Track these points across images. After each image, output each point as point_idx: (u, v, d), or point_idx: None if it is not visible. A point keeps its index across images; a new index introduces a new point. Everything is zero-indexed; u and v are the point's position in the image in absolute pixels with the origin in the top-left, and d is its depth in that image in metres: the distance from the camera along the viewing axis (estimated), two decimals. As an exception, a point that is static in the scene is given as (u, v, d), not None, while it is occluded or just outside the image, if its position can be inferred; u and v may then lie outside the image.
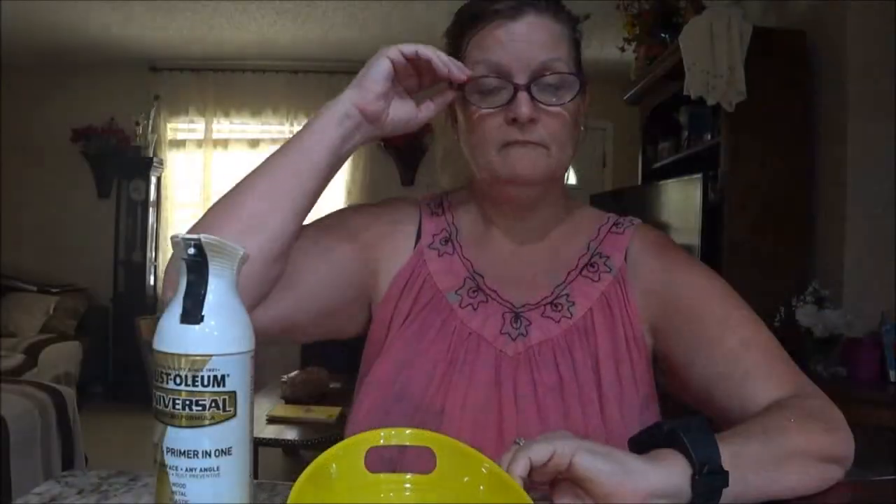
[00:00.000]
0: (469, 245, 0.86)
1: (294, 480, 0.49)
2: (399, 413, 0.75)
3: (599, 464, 0.53)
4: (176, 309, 0.48)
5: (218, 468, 0.47)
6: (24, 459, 2.35)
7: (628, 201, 3.46)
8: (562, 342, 0.78)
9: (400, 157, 5.05)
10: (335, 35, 4.48)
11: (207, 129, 5.14)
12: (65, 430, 2.66)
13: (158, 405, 0.47)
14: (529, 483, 0.54)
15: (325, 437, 2.52)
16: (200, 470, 0.46)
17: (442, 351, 0.78)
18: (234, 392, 0.47)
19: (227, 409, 0.47)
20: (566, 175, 0.86)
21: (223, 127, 5.19)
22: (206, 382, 0.46)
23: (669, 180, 3.02)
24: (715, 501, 0.56)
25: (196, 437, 0.46)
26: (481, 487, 0.54)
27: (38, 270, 4.93)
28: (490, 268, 0.84)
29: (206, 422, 0.46)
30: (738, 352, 0.74)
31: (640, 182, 3.62)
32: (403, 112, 0.77)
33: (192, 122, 5.17)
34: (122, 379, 4.73)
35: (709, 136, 2.87)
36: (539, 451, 0.53)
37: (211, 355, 0.46)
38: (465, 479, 0.55)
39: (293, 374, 3.05)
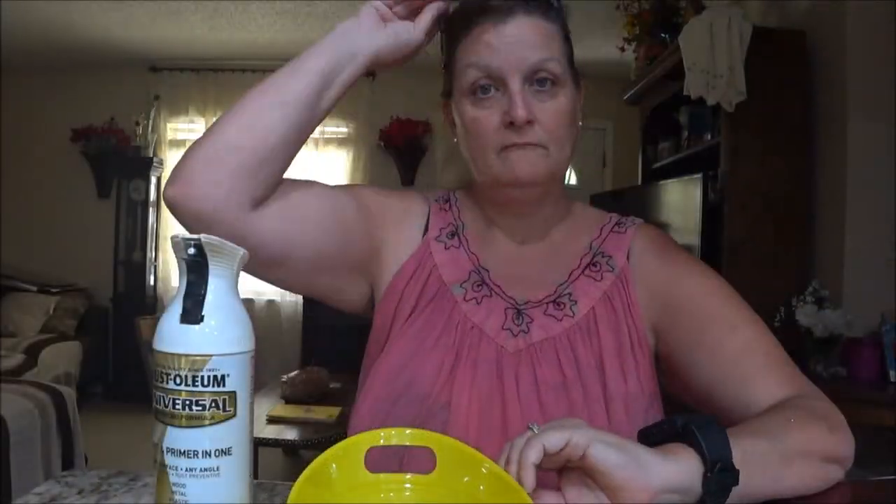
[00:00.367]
0: (474, 241, 0.87)
1: (294, 480, 0.49)
2: (405, 404, 0.75)
3: (613, 456, 0.52)
4: (176, 309, 0.48)
5: (218, 468, 0.47)
6: (24, 459, 2.35)
7: (628, 201, 3.46)
8: (564, 340, 0.79)
9: (400, 157, 5.05)
10: (335, 35, 4.48)
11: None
12: (65, 430, 2.66)
13: (158, 405, 0.47)
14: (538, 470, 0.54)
15: (325, 437, 2.52)
16: (200, 470, 0.46)
17: (448, 344, 0.78)
18: (234, 392, 0.47)
19: (227, 409, 0.47)
20: (566, 175, 0.87)
21: (223, 127, 5.18)
22: (206, 382, 0.46)
23: (669, 180, 3.02)
24: (724, 499, 0.55)
25: (196, 437, 0.46)
26: (481, 487, 0.54)
27: (38, 270, 4.93)
28: (495, 264, 0.85)
29: (206, 422, 0.46)
30: (741, 353, 0.74)
31: (640, 182, 3.63)
32: (401, 29, 0.79)
33: (192, 122, 5.17)
34: (122, 379, 4.73)
35: (709, 136, 2.88)
36: (554, 439, 0.53)
37: (211, 355, 0.46)
38: (465, 479, 0.55)
39: (293, 374, 3.04)
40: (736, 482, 0.55)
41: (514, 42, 0.75)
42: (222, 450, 0.47)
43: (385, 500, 0.55)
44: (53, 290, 4.77)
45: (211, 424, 0.47)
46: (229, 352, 0.47)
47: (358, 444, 0.55)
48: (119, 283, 5.01)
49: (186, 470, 0.46)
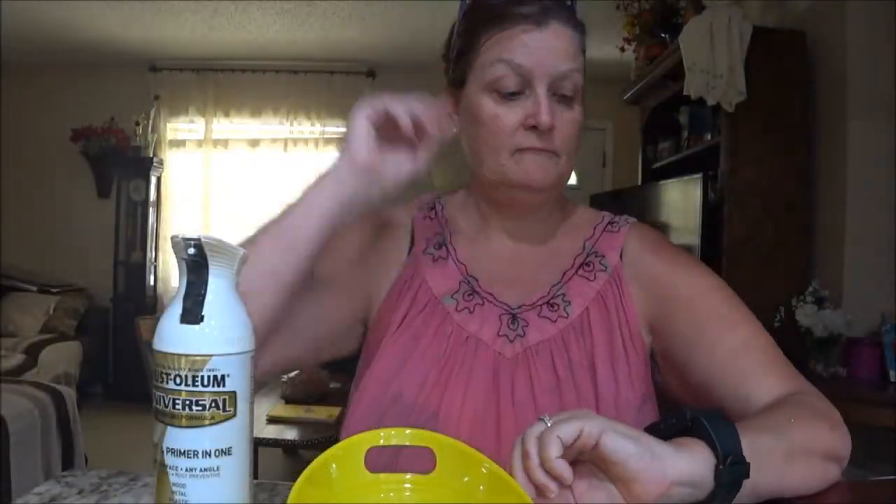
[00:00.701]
0: (464, 247, 0.86)
1: (294, 480, 0.49)
2: (394, 416, 0.75)
3: (627, 446, 0.51)
4: (176, 309, 0.48)
5: (218, 468, 0.47)
6: (24, 459, 2.35)
7: (628, 201, 3.46)
8: (559, 341, 0.79)
9: (400, 157, 5.05)
10: (335, 35, 4.49)
11: (207, 129, 5.14)
12: (65, 430, 2.66)
13: (158, 405, 0.47)
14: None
15: (325, 437, 2.52)
16: (200, 470, 0.46)
17: (437, 355, 0.78)
18: (234, 392, 0.47)
19: (227, 409, 0.47)
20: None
21: (223, 127, 5.19)
22: (206, 382, 0.46)
23: (669, 180, 3.03)
24: (735, 493, 0.55)
25: (196, 437, 0.46)
26: (481, 487, 0.54)
27: (38, 270, 4.93)
28: (486, 269, 0.84)
29: (206, 422, 0.46)
30: (740, 350, 0.74)
31: (640, 182, 3.63)
32: (402, 163, 0.74)
33: (192, 122, 5.17)
34: (122, 379, 4.73)
35: (709, 136, 2.88)
36: (567, 431, 0.51)
37: (211, 355, 0.46)
38: (465, 479, 0.55)
39: (293, 374, 3.04)
40: (747, 475, 0.54)
41: (549, 48, 0.75)
42: (222, 450, 0.47)
43: (385, 500, 0.55)
44: (53, 290, 4.77)
45: (211, 424, 0.47)
46: (229, 352, 0.47)
47: (358, 443, 0.55)
48: (119, 283, 5.01)
49: (186, 470, 0.46)
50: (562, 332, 0.79)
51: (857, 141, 2.40)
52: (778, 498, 0.61)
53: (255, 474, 0.52)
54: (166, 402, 0.47)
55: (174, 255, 0.48)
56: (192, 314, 0.47)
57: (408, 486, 0.57)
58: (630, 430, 0.53)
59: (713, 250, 2.54)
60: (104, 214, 5.04)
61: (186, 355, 0.46)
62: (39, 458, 2.47)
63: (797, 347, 2.18)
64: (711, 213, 2.60)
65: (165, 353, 0.47)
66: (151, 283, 5.05)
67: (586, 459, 0.54)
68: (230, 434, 0.47)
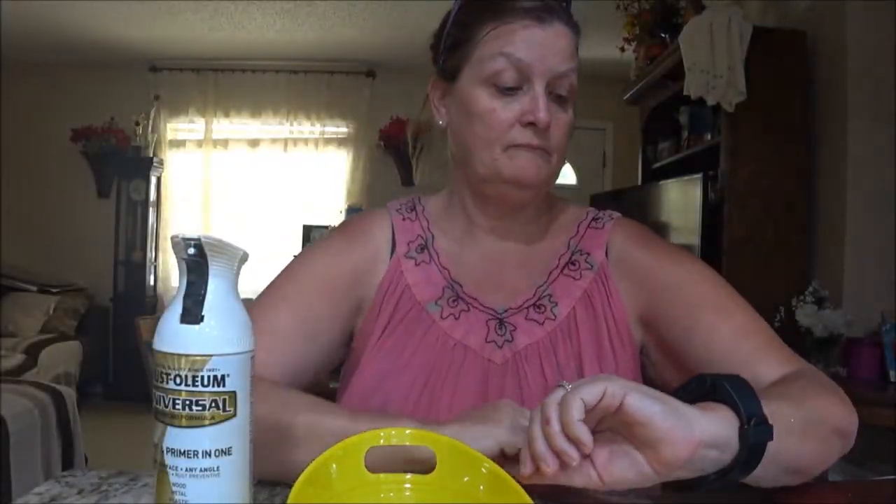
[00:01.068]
0: (447, 250, 0.85)
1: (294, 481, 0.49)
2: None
3: (653, 405, 0.50)
4: (176, 309, 0.48)
5: (218, 468, 0.47)
6: (24, 459, 2.35)
7: (628, 201, 3.46)
8: (547, 344, 0.78)
9: (400, 157, 5.05)
10: (335, 35, 4.49)
11: (207, 129, 5.14)
12: (65, 430, 2.65)
13: (158, 405, 0.47)
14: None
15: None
16: (200, 470, 0.46)
17: (424, 363, 0.77)
18: (234, 392, 0.47)
19: (227, 409, 0.47)
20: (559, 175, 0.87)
21: (223, 127, 5.19)
22: (206, 382, 0.46)
23: (669, 180, 3.02)
24: (760, 455, 0.54)
25: (196, 437, 0.46)
26: (481, 487, 0.54)
27: (38, 270, 4.93)
28: (469, 273, 0.83)
29: (206, 422, 0.46)
30: (738, 337, 0.74)
31: (640, 182, 3.62)
32: None
33: (192, 122, 5.17)
34: (122, 379, 4.73)
35: (709, 136, 2.88)
36: (590, 392, 0.49)
37: (211, 355, 0.46)
38: (465, 479, 0.55)
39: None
40: (771, 436, 0.53)
41: (551, 46, 0.75)
42: (222, 450, 0.47)
43: (385, 501, 0.55)
44: (53, 290, 4.77)
45: (211, 424, 0.47)
46: (229, 352, 0.47)
47: (358, 444, 0.55)
48: (119, 283, 5.01)
49: (186, 470, 0.46)
50: (549, 335, 0.79)
51: (857, 141, 2.40)
52: (778, 488, 0.61)
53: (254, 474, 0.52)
54: (166, 402, 0.47)
55: (174, 255, 0.48)
56: (192, 314, 0.47)
57: (408, 486, 0.57)
58: (653, 391, 0.52)
59: (713, 250, 2.54)
60: (104, 214, 5.04)
61: (186, 355, 0.46)
62: (39, 458, 2.47)
63: (797, 347, 2.16)
64: (711, 213, 2.59)
65: (165, 353, 0.47)
66: (151, 283, 5.05)
67: (608, 427, 0.53)
68: (230, 434, 0.47)
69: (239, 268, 0.50)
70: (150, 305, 4.94)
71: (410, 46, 4.49)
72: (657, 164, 3.42)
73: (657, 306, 0.79)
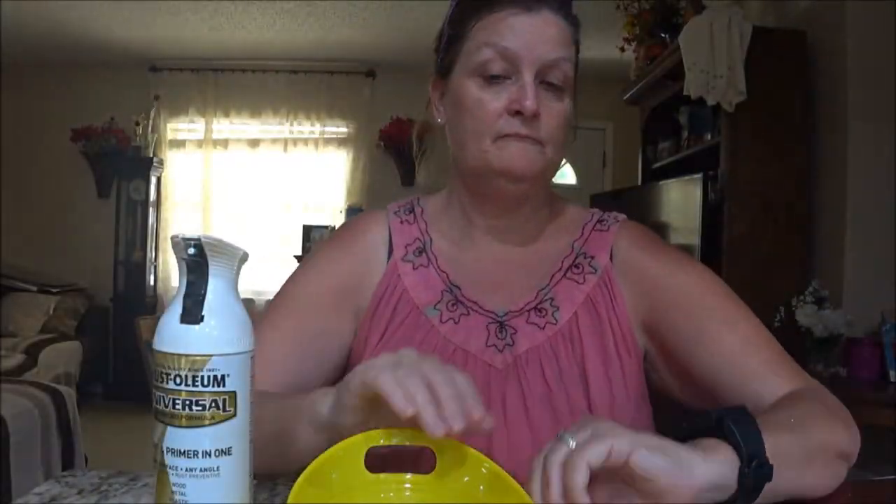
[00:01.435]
0: (446, 253, 0.84)
1: (294, 481, 0.49)
2: None
3: (657, 461, 0.50)
4: (176, 309, 0.48)
5: (218, 468, 0.47)
6: (24, 459, 2.35)
7: (628, 201, 3.46)
8: (548, 349, 0.77)
9: (400, 157, 5.05)
10: (335, 35, 4.49)
11: (207, 129, 5.14)
12: (65, 430, 2.65)
13: (158, 405, 0.47)
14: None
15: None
16: (200, 470, 0.46)
17: None
18: (234, 392, 0.47)
19: (227, 409, 0.47)
20: (555, 176, 0.85)
21: (223, 127, 5.19)
22: (206, 382, 0.46)
23: (669, 180, 3.02)
24: (757, 494, 0.54)
25: (196, 437, 0.46)
26: (481, 487, 0.54)
27: (38, 270, 4.93)
28: (469, 275, 0.82)
29: (206, 422, 0.46)
30: (743, 348, 0.73)
31: (640, 182, 3.62)
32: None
33: (192, 122, 5.17)
34: (122, 379, 4.73)
35: (709, 136, 2.88)
36: (596, 454, 0.49)
37: (211, 355, 0.46)
38: (465, 479, 0.55)
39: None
40: (770, 478, 0.54)
41: (538, 34, 0.73)
42: (222, 450, 0.47)
43: (385, 501, 0.55)
44: (53, 290, 4.77)
45: (211, 424, 0.47)
46: (229, 352, 0.47)
47: (358, 444, 0.55)
48: (119, 283, 5.01)
49: (186, 470, 0.46)
50: (550, 339, 0.77)
51: (857, 141, 2.40)
52: (792, 497, 0.61)
53: (254, 474, 0.52)
54: (166, 402, 0.47)
55: (174, 255, 0.48)
56: (192, 314, 0.47)
57: (408, 486, 0.57)
58: (657, 440, 0.52)
59: (713, 250, 2.54)
60: (104, 214, 5.04)
61: (186, 355, 0.46)
62: (39, 458, 2.47)
63: (797, 347, 2.18)
64: (711, 213, 2.59)
65: (165, 353, 0.47)
66: (151, 283, 5.05)
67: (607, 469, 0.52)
68: (230, 434, 0.47)
69: (239, 268, 0.50)
70: (150, 305, 4.94)
71: (410, 46, 4.50)
72: (657, 164, 3.42)
73: (661, 314, 0.78)
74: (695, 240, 2.63)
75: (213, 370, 0.46)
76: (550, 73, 0.74)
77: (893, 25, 2.35)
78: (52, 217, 5.07)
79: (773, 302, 2.35)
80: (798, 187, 2.56)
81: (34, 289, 4.77)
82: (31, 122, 5.04)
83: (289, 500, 0.47)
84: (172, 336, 0.47)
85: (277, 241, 5.06)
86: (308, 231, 4.94)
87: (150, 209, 5.03)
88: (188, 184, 5.19)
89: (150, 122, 5.04)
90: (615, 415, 0.74)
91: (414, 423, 0.51)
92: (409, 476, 0.57)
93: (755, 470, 0.53)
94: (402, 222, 0.87)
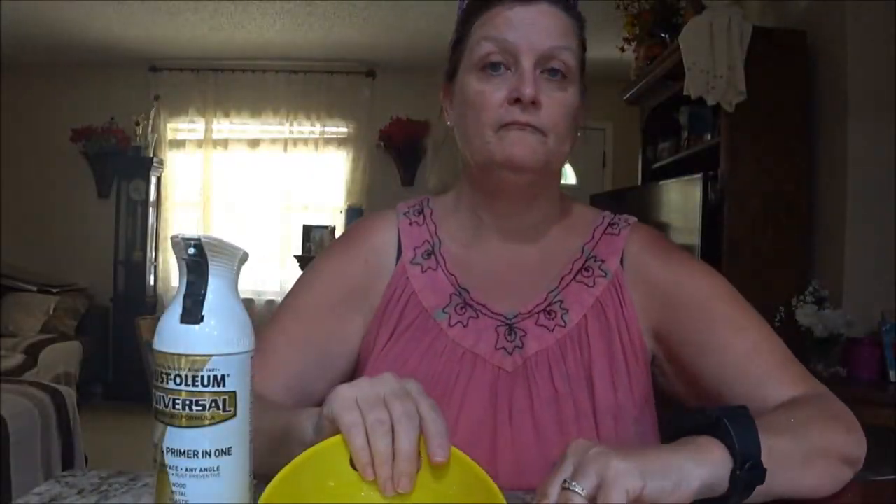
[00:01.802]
0: (454, 255, 0.84)
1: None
2: None
3: (664, 485, 0.51)
4: (176, 309, 0.48)
5: (218, 468, 0.47)
6: (24, 459, 2.35)
7: (628, 201, 3.46)
8: (556, 352, 0.77)
9: (400, 157, 5.06)
10: (335, 35, 4.49)
11: (207, 129, 5.14)
12: (65, 430, 2.65)
13: (158, 405, 0.47)
14: None
15: (325, 437, 2.51)
16: (200, 470, 0.46)
17: (431, 372, 0.76)
18: (234, 392, 0.47)
19: (227, 409, 0.47)
20: (562, 174, 0.85)
21: (223, 127, 5.19)
22: (206, 382, 0.46)
23: (669, 180, 3.02)
24: (748, 494, 0.55)
25: (196, 437, 0.46)
26: (454, 488, 0.54)
27: (38, 270, 4.93)
28: (478, 277, 0.82)
29: (206, 422, 0.46)
30: (751, 354, 0.73)
31: (640, 182, 3.63)
32: None
33: (192, 122, 5.17)
34: (122, 379, 4.73)
35: (709, 136, 2.88)
36: (617, 496, 0.48)
37: (211, 355, 0.46)
38: (447, 479, 0.54)
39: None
40: (762, 480, 0.54)
41: (535, 24, 0.74)
42: (222, 450, 0.47)
43: (366, 500, 0.55)
44: (53, 290, 4.77)
45: (211, 424, 0.47)
46: (229, 352, 0.47)
47: (342, 443, 0.54)
48: (119, 283, 5.01)
49: (186, 470, 0.46)
50: (559, 342, 0.77)
51: (857, 141, 2.40)
52: (790, 499, 0.61)
53: (254, 474, 0.52)
54: (166, 402, 0.47)
55: (174, 255, 0.48)
56: (192, 314, 0.47)
57: None
58: (656, 460, 0.52)
59: (713, 250, 2.54)
60: (104, 214, 5.04)
61: (186, 355, 0.46)
62: (39, 458, 2.47)
63: (797, 347, 2.17)
64: (711, 213, 2.59)
65: (165, 353, 0.47)
66: (151, 283, 5.06)
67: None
68: (230, 434, 0.47)
69: (239, 268, 0.50)
70: (150, 305, 4.94)
71: (410, 46, 4.50)
72: (657, 164, 3.42)
73: (670, 320, 0.77)
74: (695, 240, 2.62)
75: (213, 370, 0.46)
76: (550, 62, 0.74)
77: (893, 25, 2.35)
78: (52, 217, 5.07)
79: (773, 302, 2.35)
80: (798, 187, 2.56)
81: (34, 289, 4.77)
82: (31, 122, 5.04)
83: (260, 500, 0.47)
84: (172, 336, 0.47)
85: (277, 241, 5.06)
86: (308, 231, 4.94)
87: (150, 209, 5.03)
88: (188, 184, 5.19)
89: (150, 122, 5.04)
90: (618, 419, 0.74)
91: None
92: None
93: (747, 472, 0.54)
94: (411, 224, 0.86)
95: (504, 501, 0.49)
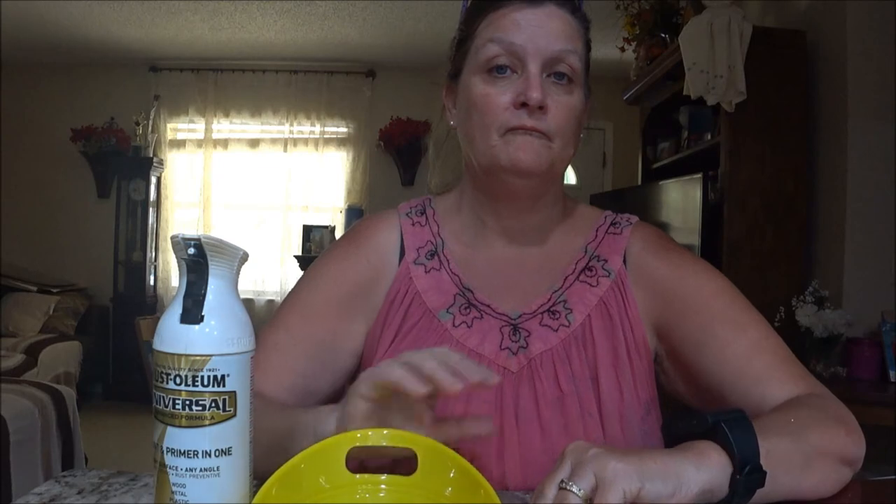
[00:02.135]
0: (458, 255, 0.83)
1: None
2: None
3: (661, 489, 0.51)
4: (176, 309, 0.48)
5: (218, 468, 0.47)
6: (24, 459, 2.35)
7: (628, 201, 3.46)
8: (561, 352, 0.77)
9: (400, 157, 5.06)
10: (335, 35, 4.49)
11: (207, 129, 5.14)
12: (65, 430, 2.65)
13: (158, 405, 0.47)
14: None
15: (325, 437, 2.51)
16: (200, 470, 0.46)
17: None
18: (234, 392, 0.47)
19: (227, 409, 0.47)
20: (564, 175, 0.85)
21: (223, 127, 5.19)
22: (206, 382, 0.46)
23: (669, 180, 3.02)
24: (748, 499, 0.55)
25: (196, 437, 0.46)
26: (449, 489, 0.54)
27: (38, 270, 4.93)
28: (481, 277, 0.81)
29: (206, 422, 0.46)
30: (751, 353, 0.73)
31: (640, 182, 3.62)
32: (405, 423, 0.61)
33: (192, 122, 5.17)
34: (122, 379, 4.73)
35: (709, 136, 2.88)
36: (613, 497, 0.49)
37: (211, 355, 0.46)
38: (441, 479, 0.54)
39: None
40: (762, 483, 0.54)
41: (542, 27, 0.73)
42: (222, 450, 0.47)
43: (361, 500, 0.55)
44: (53, 290, 4.77)
45: (211, 424, 0.47)
46: (229, 352, 0.47)
47: (337, 444, 0.54)
48: (119, 283, 5.01)
49: (186, 470, 0.46)
50: (563, 342, 0.77)
51: (857, 141, 2.40)
52: (792, 500, 0.61)
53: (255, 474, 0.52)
54: (166, 402, 0.47)
55: (174, 255, 0.48)
56: (192, 314, 0.47)
57: (383, 486, 0.56)
58: (654, 464, 0.52)
59: (713, 250, 2.54)
60: (104, 214, 5.04)
61: (186, 355, 0.46)
62: (39, 458, 2.47)
63: (797, 347, 2.18)
64: (711, 213, 2.59)
65: (165, 353, 0.47)
66: (151, 283, 5.05)
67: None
68: (230, 434, 0.47)
69: (239, 268, 0.50)
70: (150, 305, 4.94)
71: (410, 46, 4.50)
72: (657, 164, 3.42)
73: (671, 318, 0.77)
74: (695, 240, 2.63)
75: (213, 370, 0.46)
76: (557, 66, 0.74)
77: (893, 25, 2.35)
78: (52, 217, 5.07)
79: (773, 302, 2.35)
80: (798, 187, 2.56)
81: (34, 289, 4.77)
82: (31, 122, 5.04)
83: (254, 501, 0.47)
84: (172, 336, 0.47)
85: (277, 241, 5.06)
86: (308, 231, 4.94)
87: (150, 209, 5.03)
88: (188, 184, 5.19)
89: (150, 122, 5.04)
90: (624, 419, 0.74)
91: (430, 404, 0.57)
92: (383, 477, 0.56)
93: (747, 476, 0.54)
94: (413, 224, 0.86)
95: (498, 502, 0.49)
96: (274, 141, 5.18)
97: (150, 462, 0.48)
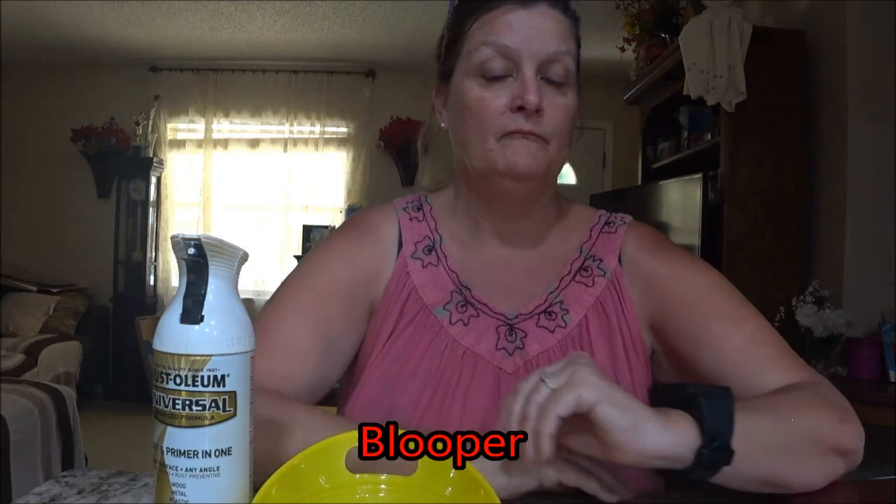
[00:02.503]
0: (455, 252, 0.83)
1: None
2: None
3: (615, 418, 0.53)
4: (176, 309, 0.48)
5: (218, 468, 0.47)
6: (24, 459, 2.35)
7: (628, 201, 3.46)
8: (557, 353, 0.76)
9: (400, 157, 5.06)
10: (335, 35, 4.49)
11: (207, 129, 5.14)
12: (65, 430, 2.66)
13: (158, 405, 0.47)
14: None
15: (325, 437, 2.51)
16: (200, 470, 0.46)
17: (432, 370, 0.75)
18: (234, 392, 0.47)
19: (227, 409, 0.47)
20: (560, 175, 0.85)
21: (223, 127, 5.19)
22: (206, 382, 0.46)
23: (669, 180, 3.02)
24: (711, 475, 0.55)
25: (196, 437, 0.46)
26: (449, 489, 0.54)
27: (38, 270, 4.93)
28: (478, 277, 0.81)
29: (206, 422, 0.46)
30: (748, 346, 0.73)
31: (640, 182, 3.62)
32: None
33: (192, 122, 5.17)
34: (122, 379, 4.73)
35: (709, 136, 2.88)
36: (564, 405, 0.53)
37: (211, 355, 0.46)
38: (441, 480, 0.54)
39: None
40: (728, 461, 0.55)
41: (535, 28, 0.73)
42: (222, 450, 0.47)
43: (360, 500, 0.55)
44: (53, 290, 4.77)
45: (211, 424, 0.47)
46: (229, 352, 0.47)
47: (338, 444, 0.54)
48: (119, 283, 5.01)
49: (186, 470, 0.46)
50: (560, 343, 0.77)
51: (857, 141, 2.40)
52: (779, 496, 0.61)
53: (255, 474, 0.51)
54: (166, 402, 0.47)
55: (174, 255, 0.48)
56: (192, 314, 0.47)
57: (383, 486, 0.56)
58: (624, 400, 0.54)
59: (713, 250, 2.54)
60: (104, 214, 5.04)
61: (186, 355, 0.46)
62: (39, 458, 2.47)
63: (797, 347, 2.16)
64: (711, 213, 2.59)
65: (165, 353, 0.47)
66: (151, 283, 5.06)
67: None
68: (230, 434, 0.47)
69: (239, 268, 0.50)
70: (150, 305, 4.94)
71: (410, 46, 4.50)
72: (657, 164, 3.42)
73: (667, 314, 0.77)
74: (695, 240, 2.63)
75: (213, 370, 0.46)
76: (551, 68, 0.73)
77: (893, 25, 2.35)
78: (52, 217, 5.07)
79: (773, 302, 2.35)
80: (798, 187, 2.56)
81: (34, 289, 4.77)
82: (31, 122, 5.04)
83: (254, 501, 0.47)
84: (172, 336, 0.47)
85: (277, 241, 5.06)
86: (308, 231, 4.94)
87: (150, 209, 5.03)
88: (188, 184, 5.19)
89: (150, 122, 5.04)
90: None
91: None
92: (383, 477, 0.56)
93: (714, 451, 0.54)
94: (411, 219, 0.85)
95: (498, 502, 0.49)
96: (274, 141, 5.18)
97: (150, 462, 0.48)
